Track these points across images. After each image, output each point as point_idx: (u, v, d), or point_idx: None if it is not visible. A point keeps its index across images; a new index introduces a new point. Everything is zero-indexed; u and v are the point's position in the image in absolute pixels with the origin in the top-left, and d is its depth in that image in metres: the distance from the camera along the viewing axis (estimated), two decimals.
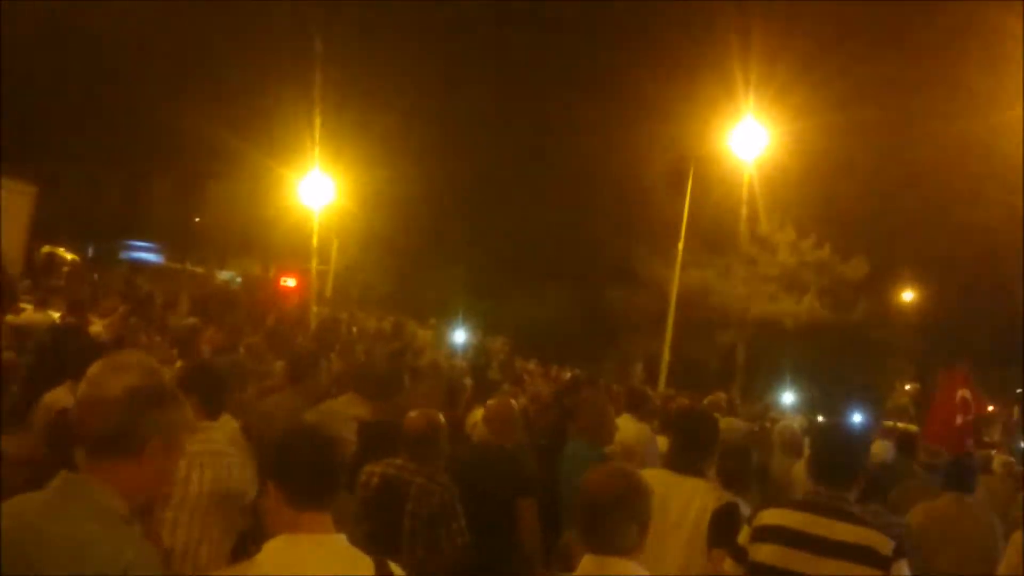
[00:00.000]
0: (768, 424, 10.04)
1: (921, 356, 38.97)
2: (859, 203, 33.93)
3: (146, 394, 2.28)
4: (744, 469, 4.68)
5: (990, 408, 18.53)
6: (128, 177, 44.25)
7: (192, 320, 9.90)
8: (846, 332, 37.87)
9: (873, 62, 34.69)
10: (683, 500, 3.97)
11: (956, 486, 5.72)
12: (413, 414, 4.61)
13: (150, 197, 45.56)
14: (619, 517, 2.79)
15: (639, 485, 2.87)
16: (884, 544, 3.37)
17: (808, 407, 33.69)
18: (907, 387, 41.77)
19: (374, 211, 34.30)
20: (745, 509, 4.30)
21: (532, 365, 24.94)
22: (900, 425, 23.42)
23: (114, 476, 2.21)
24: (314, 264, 28.47)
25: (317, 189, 30.47)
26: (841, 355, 38.77)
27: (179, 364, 7.59)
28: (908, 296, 43.97)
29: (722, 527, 3.79)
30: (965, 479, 5.80)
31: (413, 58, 37.30)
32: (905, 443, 8.02)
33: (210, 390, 3.91)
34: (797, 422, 10.33)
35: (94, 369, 2.98)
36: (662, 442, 6.60)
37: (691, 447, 4.20)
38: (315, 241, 28.40)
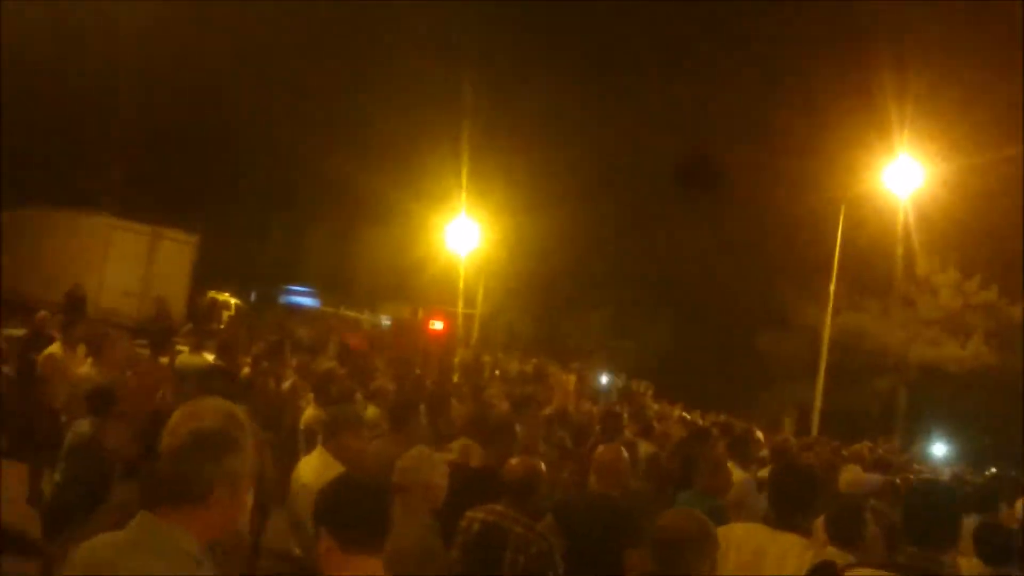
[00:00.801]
0: (910, 476, 9.53)
1: None
2: None
3: (211, 442, 2.44)
4: (854, 525, 4.47)
5: None
6: (289, 223, 46.60)
7: (330, 364, 10.28)
8: (1017, 377, 35.56)
9: None
10: (777, 556, 3.85)
11: None
12: (514, 461, 4.64)
13: (309, 242, 47.70)
14: (693, 555, 3.18)
15: (707, 527, 3.30)
16: None
17: (978, 458, 31.70)
18: None
19: (519, 255, 34.78)
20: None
21: (678, 410, 24.55)
22: None
23: (185, 519, 2.37)
24: (460, 307, 29.10)
25: (464, 234, 31.27)
26: (1013, 402, 36.41)
27: (311, 408, 7.92)
28: None
29: None
30: None
31: (554, 101, 37.95)
32: None
33: None
34: (944, 474, 9.74)
35: (174, 417, 3.23)
36: None
37: (787, 503, 4.08)
38: (461, 284, 29.11)
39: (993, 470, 26.97)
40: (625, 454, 5.50)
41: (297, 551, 4.50)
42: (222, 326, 22.15)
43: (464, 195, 30.44)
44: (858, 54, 33.75)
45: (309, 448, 7.21)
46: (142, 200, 26.67)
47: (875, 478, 7.69)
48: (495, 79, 36.18)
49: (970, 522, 5.47)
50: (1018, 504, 7.23)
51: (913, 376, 36.92)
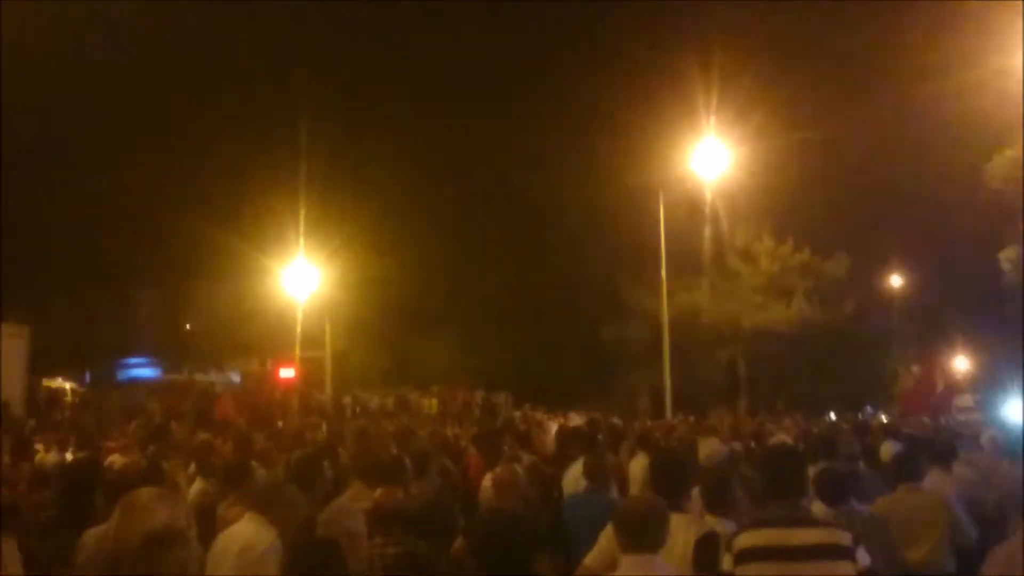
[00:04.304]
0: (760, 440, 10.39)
1: (918, 337, 39.35)
2: (829, 203, 34.71)
3: (159, 539, 2.83)
4: (724, 492, 5.06)
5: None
6: (116, 295, 44.65)
7: (204, 436, 10.24)
8: (841, 327, 38.29)
9: (831, 79, 36.02)
10: (670, 536, 4.34)
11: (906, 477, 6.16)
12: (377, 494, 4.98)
13: (139, 310, 45.86)
14: (655, 524, 3.80)
15: (661, 504, 4.00)
16: (844, 538, 3.83)
17: (817, 405, 33.83)
18: (914, 369, 41.92)
19: (360, 293, 34.72)
20: (730, 528, 4.71)
21: (539, 414, 25.29)
22: None
23: None
24: (297, 352, 29.14)
25: (303, 277, 31.04)
26: (840, 350, 39.20)
27: (198, 482, 7.95)
28: (896, 282, 44.51)
29: (703, 555, 4.19)
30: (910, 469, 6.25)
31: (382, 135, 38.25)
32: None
33: None
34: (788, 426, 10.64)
35: (117, 516, 3.57)
36: None
37: (668, 488, 4.62)
38: (299, 329, 29.12)
39: (832, 415, 29.00)
40: (520, 471, 5.96)
41: None
42: (67, 414, 21.19)
43: (301, 239, 30.26)
44: (667, 50, 35.65)
45: (201, 523, 7.27)
46: None
47: (734, 447, 8.43)
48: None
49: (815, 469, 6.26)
50: (884, 447, 8.12)
51: (748, 341, 39.10)
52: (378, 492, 5.07)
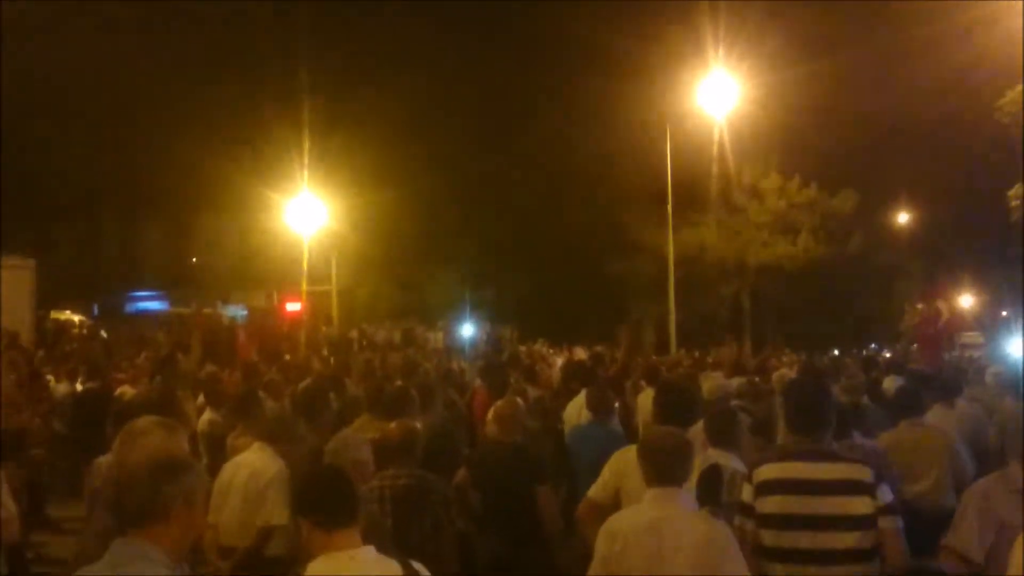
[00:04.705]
0: (764, 375, 10.46)
1: (925, 274, 39.27)
2: (837, 139, 34.38)
3: (165, 466, 2.83)
4: (728, 427, 5.09)
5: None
6: (122, 228, 44.69)
7: (212, 369, 10.34)
8: (847, 264, 38.29)
9: (840, 14, 35.49)
10: None
11: (908, 412, 6.20)
12: (392, 426, 5.04)
13: (145, 244, 45.96)
14: (682, 458, 3.80)
15: (685, 438, 4.01)
16: (866, 473, 3.85)
17: (819, 342, 33.98)
18: (919, 307, 41.85)
19: (366, 226, 34.70)
20: (735, 463, 4.76)
21: (546, 349, 25.47)
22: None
23: (152, 537, 2.73)
24: (304, 286, 29.23)
25: (309, 211, 31.02)
26: (846, 287, 39.29)
27: (207, 413, 8.04)
28: (903, 219, 44.34)
29: (706, 488, 4.23)
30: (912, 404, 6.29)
31: (386, 70, 37.84)
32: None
33: None
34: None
35: (117, 444, 3.58)
36: None
37: (671, 418, 4.67)
38: (305, 263, 29.17)
39: (835, 352, 29.15)
40: (521, 403, 6.01)
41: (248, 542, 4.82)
42: (75, 346, 21.30)
43: (306, 172, 30.15)
44: None
45: (211, 452, 7.39)
46: None
47: (736, 381, 8.49)
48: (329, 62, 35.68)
49: None
50: (887, 381, 8.20)
51: (753, 278, 39.12)
52: (394, 424, 5.08)
